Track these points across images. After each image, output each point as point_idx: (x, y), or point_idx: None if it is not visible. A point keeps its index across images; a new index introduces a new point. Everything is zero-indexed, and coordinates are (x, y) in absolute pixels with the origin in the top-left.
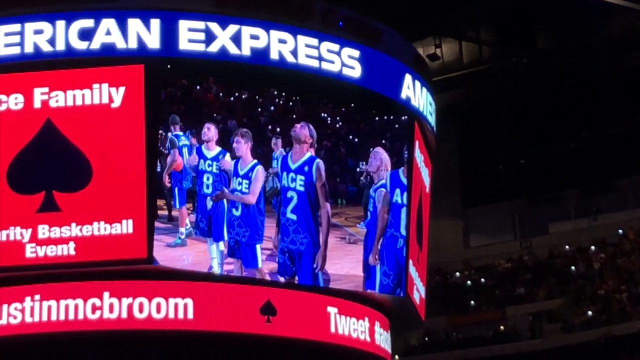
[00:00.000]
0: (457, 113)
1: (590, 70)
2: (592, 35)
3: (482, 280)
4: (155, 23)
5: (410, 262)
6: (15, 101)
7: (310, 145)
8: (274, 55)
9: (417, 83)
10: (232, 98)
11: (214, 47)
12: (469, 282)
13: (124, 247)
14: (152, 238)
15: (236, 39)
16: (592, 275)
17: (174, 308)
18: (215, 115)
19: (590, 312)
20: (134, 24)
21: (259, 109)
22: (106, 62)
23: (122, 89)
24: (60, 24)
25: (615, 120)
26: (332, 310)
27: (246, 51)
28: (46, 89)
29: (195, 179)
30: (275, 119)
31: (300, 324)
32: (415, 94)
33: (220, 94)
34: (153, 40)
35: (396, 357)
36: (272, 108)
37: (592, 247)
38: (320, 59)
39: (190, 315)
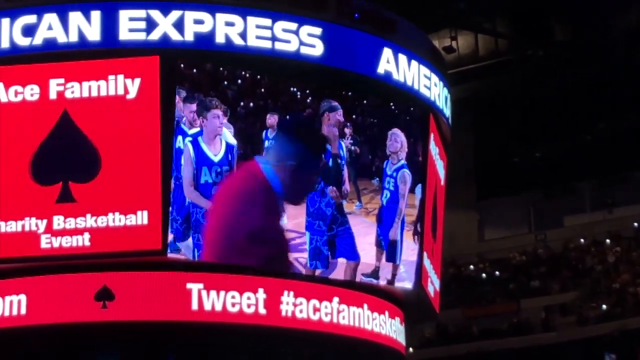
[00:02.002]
0: (473, 105)
1: (606, 62)
2: (608, 27)
3: (497, 272)
4: (95, 15)
5: (425, 254)
6: (31, 92)
7: None
8: (219, 39)
9: (402, 56)
10: (194, 70)
11: (155, 35)
12: (483, 274)
13: (139, 238)
14: (166, 229)
15: (179, 25)
16: (607, 268)
17: (9, 305)
18: (178, 88)
19: (604, 306)
20: (75, 17)
21: (226, 82)
22: (122, 53)
23: (137, 81)
24: (5, 21)
25: (632, 113)
26: (194, 286)
27: (189, 37)
28: (62, 80)
29: None
30: (244, 93)
31: (146, 305)
32: (399, 67)
33: (182, 65)
34: (93, 32)
35: (410, 349)
36: (239, 81)
37: (607, 240)
38: (273, 39)
39: (23, 310)
